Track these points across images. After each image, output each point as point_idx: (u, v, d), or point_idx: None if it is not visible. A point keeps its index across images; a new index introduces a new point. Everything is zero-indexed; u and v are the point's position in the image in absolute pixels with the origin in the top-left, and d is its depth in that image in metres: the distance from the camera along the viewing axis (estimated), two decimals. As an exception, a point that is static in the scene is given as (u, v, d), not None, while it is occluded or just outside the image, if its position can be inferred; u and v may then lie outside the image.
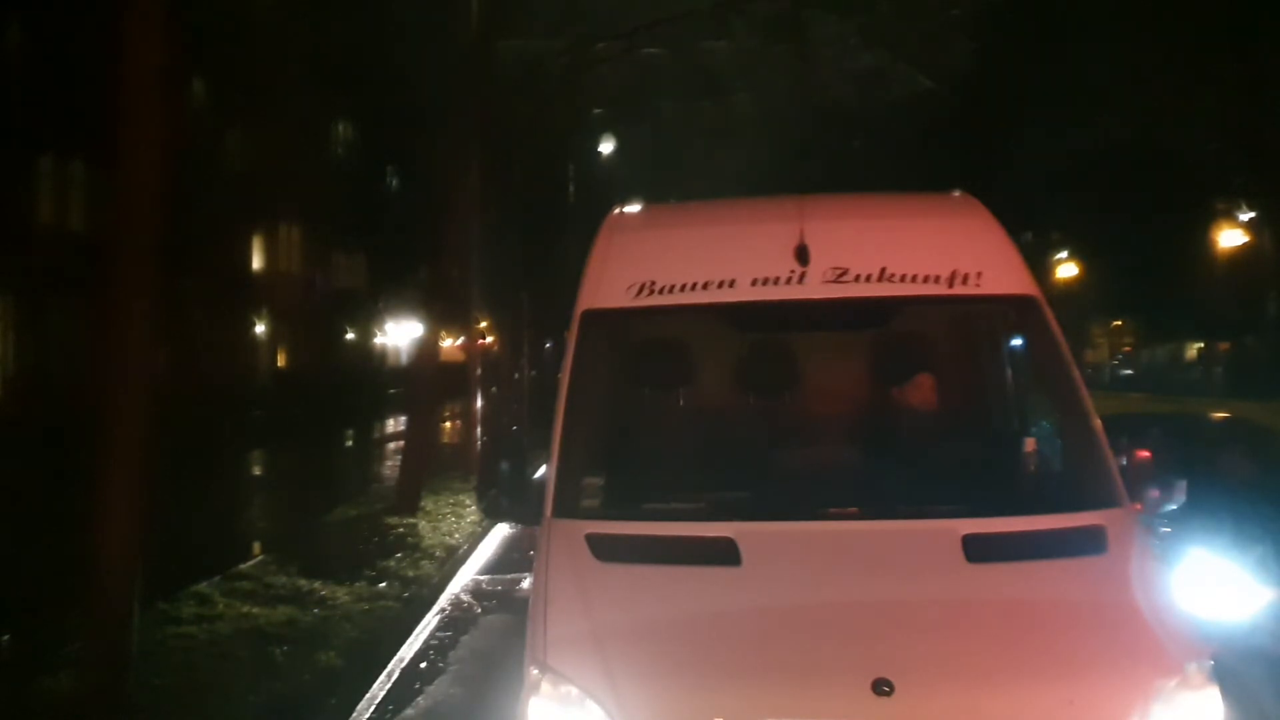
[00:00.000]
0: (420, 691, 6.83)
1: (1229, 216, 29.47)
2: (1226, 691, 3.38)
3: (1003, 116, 26.94)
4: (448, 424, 26.11)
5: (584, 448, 4.26)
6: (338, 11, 27.00)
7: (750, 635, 3.43)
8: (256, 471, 22.64)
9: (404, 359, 40.61)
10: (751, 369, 4.83)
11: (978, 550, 3.63)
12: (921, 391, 4.75)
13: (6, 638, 7.29)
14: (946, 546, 3.64)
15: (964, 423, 4.99)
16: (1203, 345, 37.69)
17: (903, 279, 4.25)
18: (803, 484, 4.27)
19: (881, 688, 3.17)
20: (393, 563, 10.12)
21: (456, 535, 11.92)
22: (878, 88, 17.45)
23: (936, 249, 4.37)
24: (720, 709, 3.22)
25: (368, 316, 42.72)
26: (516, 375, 24.38)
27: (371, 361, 42.90)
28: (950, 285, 4.26)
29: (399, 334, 43.21)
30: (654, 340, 4.89)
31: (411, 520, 12.37)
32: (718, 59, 16.25)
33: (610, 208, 4.88)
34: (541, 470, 4.32)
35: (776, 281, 4.25)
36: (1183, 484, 4.21)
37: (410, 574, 9.79)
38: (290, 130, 30.25)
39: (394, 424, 27.44)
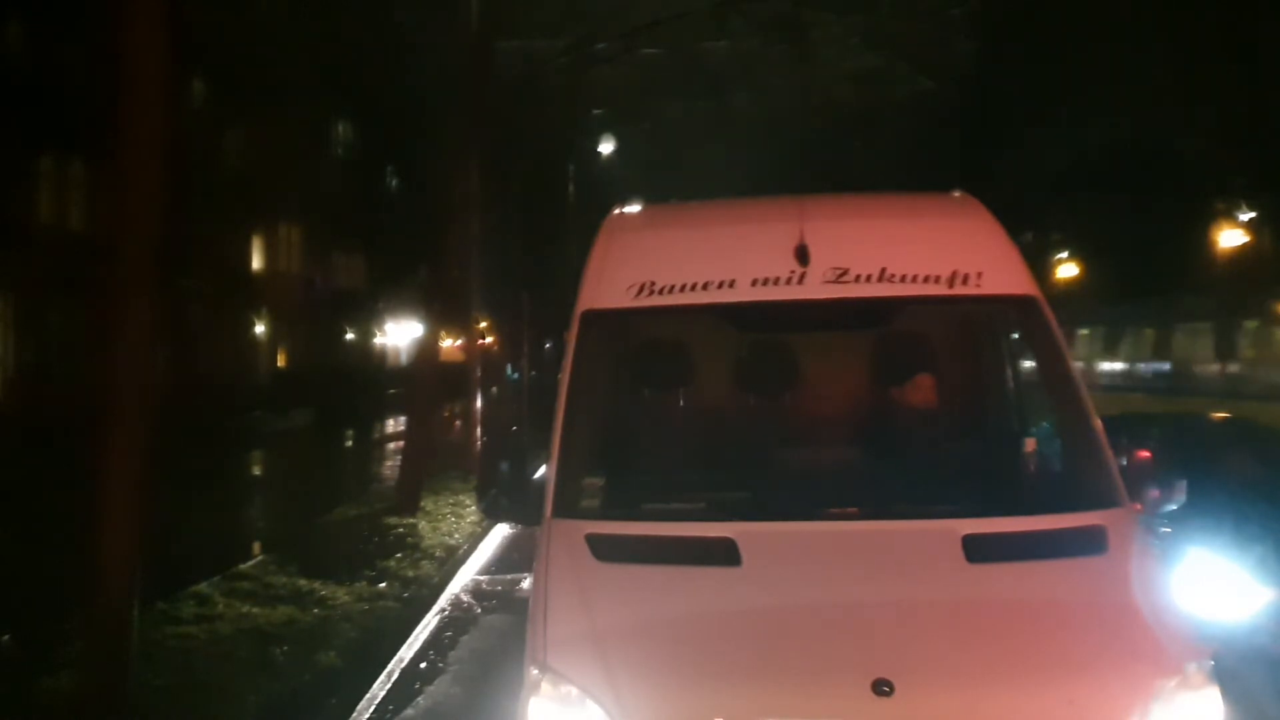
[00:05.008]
0: (420, 691, 6.83)
1: (1229, 216, 29.49)
2: (1226, 691, 3.38)
3: (1003, 116, 26.98)
4: (447, 424, 26.09)
5: (584, 448, 4.26)
6: (338, 11, 27.01)
7: (750, 635, 3.42)
8: (256, 471, 22.63)
9: (404, 359, 40.63)
10: (751, 369, 4.82)
11: (978, 550, 3.62)
12: (921, 391, 4.74)
13: (6, 638, 7.27)
14: (946, 547, 3.64)
15: (964, 423, 4.99)
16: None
17: (903, 279, 4.24)
18: (803, 484, 4.27)
19: (881, 688, 3.17)
20: (393, 563, 10.11)
21: (456, 535, 11.92)
22: (878, 88, 17.47)
23: (936, 249, 4.36)
24: (720, 709, 3.22)
25: (368, 316, 42.74)
26: (516, 375, 24.37)
27: (371, 361, 42.89)
28: (950, 285, 4.24)
29: (399, 334, 43.23)
30: (654, 340, 4.89)
31: (411, 520, 12.37)
32: (718, 59, 16.28)
33: (610, 208, 4.87)
34: (541, 470, 4.31)
35: (776, 281, 4.24)
36: (1183, 484, 4.20)
37: (410, 574, 9.78)
38: (290, 130, 30.26)
39: (394, 424, 27.42)
